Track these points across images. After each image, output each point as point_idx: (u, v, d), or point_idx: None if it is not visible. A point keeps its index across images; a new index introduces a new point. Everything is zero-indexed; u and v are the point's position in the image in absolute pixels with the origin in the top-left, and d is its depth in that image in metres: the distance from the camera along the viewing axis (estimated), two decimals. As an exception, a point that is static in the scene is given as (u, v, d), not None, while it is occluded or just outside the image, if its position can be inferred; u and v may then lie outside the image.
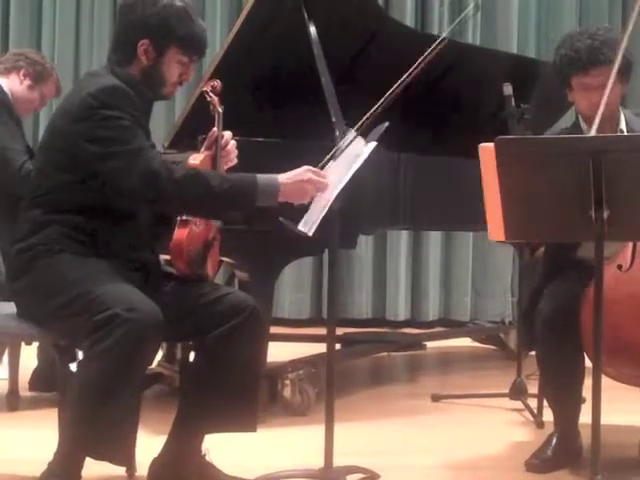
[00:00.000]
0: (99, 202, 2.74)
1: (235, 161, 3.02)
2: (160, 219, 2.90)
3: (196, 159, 2.91)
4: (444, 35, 3.28)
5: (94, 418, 2.53)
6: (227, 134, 3.00)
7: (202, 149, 2.99)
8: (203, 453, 2.90)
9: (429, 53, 3.03)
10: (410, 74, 2.99)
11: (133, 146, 2.66)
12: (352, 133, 2.92)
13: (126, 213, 2.78)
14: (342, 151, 2.87)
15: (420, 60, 3.01)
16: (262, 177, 2.73)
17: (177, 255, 2.84)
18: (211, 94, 3.04)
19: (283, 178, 2.75)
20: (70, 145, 2.70)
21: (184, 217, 2.84)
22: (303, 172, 2.76)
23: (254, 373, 2.85)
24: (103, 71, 2.86)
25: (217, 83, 3.06)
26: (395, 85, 2.97)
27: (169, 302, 2.77)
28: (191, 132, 3.81)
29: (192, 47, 2.85)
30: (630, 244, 3.03)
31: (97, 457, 2.61)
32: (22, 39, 6.43)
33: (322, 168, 2.82)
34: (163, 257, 2.99)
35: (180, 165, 2.92)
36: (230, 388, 2.79)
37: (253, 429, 2.87)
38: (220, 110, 3.02)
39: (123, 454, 2.61)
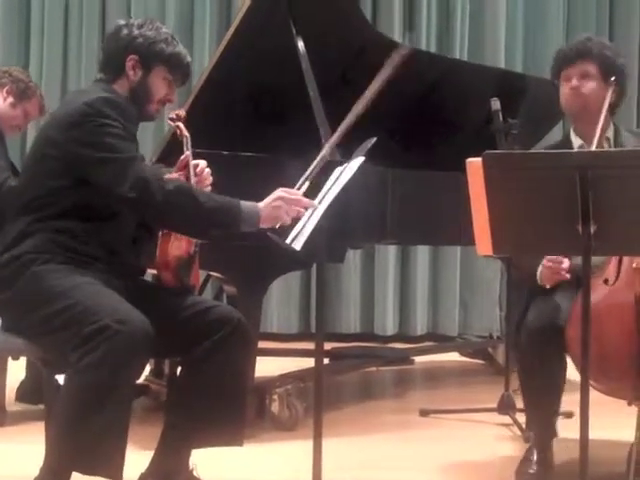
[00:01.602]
0: (88, 206, 2.75)
1: (209, 188, 3.04)
2: (141, 226, 2.93)
3: (171, 177, 2.94)
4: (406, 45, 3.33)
5: (82, 431, 2.51)
6: (202, 163, 3.04)
7: (174, 170, 3.03)
8: (191, 468, 2.89)
9: (391, 64, 3.06)
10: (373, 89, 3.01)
11: (125, 155, 2.70)
12: (337, 170, 2.94)
13: (112, 216, 2.80)
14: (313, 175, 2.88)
15: (382, 74, 3.04)
16: (245, 203, 2.78)
17: (164, 265, 2.87)
18: (177, 122, 3.11)
19: (261, 205, 2.80)
20: (65, 151, 2.73)
21: (165, 231, 2.89)
22: (276, 195, 2.81)
23: (241, 386, 2.84)
24: (92, 88, 2.92)
25: (181, 112, 3.15)
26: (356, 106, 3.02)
27: (155, 316, 2.77)
28: (179, 147, 3.81)
29: (178, 67, 2.93)
30: (615, 259, 3.05)
31: (85, 471, 2.59)
32: (10, 57, 6.41)
33: (299, 188, 2.84)
34: (150, 271, 2.99)
35: None
36: (216, 402, 2.78)
37: (239, 443, 2.86)
38: (187, 135, 3.08)
39: (111, 467, 2.58)
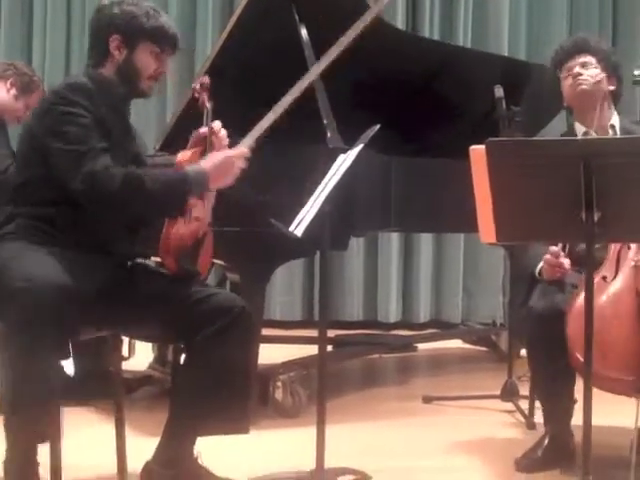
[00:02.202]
0: (65, 195, 2.72)
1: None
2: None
3: (184, 156, 2.93)
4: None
5: (13, 392, 2.50)
6: (217, 124, 3.02)
7: (189, 145, 3.01)
8: (195, 456, 2.90)
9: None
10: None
11: (83, 147, 2.67)
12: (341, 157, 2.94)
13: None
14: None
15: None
16: (192, 169, 2.79)
17: (166, 251, 2.84)
18: (200, 90, 3.07)
19: (207, 164, 2.80)
20: (37, 140, 2.74)
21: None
22: (223, 155, 2.83)
23: (245, 374, 2.83)
24: (77, 74, 2.93)
25: (205, 79, 3.10)
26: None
27: (158, 302, 2.77)
28: (183, 134, 3.81)
29: (163, 38, 2.89)
30: (614, 256, 3.07)
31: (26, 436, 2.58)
32: (13, 53, 6.39)
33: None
34: (155, 259, 2.99)
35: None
36: (221, 389, 2.77)
37: (246, 431, 2.85)
38: (209, 106, 3.05)
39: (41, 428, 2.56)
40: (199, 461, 2.90)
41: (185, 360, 2.90)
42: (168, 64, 2.95)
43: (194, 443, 2.88)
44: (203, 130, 3.00)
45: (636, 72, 3.24)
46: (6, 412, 2.53)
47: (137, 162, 2.89)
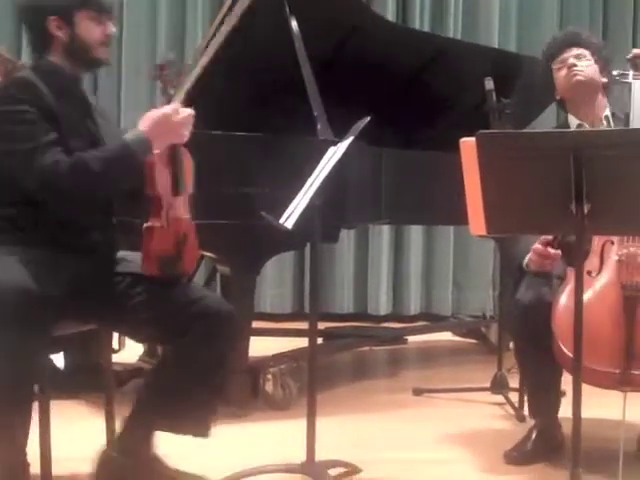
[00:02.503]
0: (23, 195, 2.70)
1: (186, 135, 2.86)
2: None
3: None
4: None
5: None
6: (174, 107, 2.84)
7: None
8: (155, 447, 2.89)
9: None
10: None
11: (30, 144, 2.63)
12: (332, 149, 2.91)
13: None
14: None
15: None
16: (129, 135, 2.73)
17: (148, 262, 2.78)
18: (164, 73, 2.94)
19: (143, 125, 2.74)
20: None
21: (149, 223, 2.80)
22: (158, 114, 2.76)
23: (218, 379, 2.83)
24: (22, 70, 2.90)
25: (165, 62, 2.98)
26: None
27: (142, 304, 2.75)
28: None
29: (97, 2, 2.84)
30: (598, 251, 3.09)
31: None
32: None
33: None
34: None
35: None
36: (193, 391, 2.77)
37: (205, 435, 2.84)
38: (171, 92, 2.94)
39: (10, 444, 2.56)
40: (157, 452, 2.90)
41: (163, 357, 2.87)
42: (113, 25, 2.88)
43: (153, 435, 2.88)
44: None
45: (615, 72, 3.28)
46: None
47: (99, 142, 2.84)
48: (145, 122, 2.74)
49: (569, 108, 3.41)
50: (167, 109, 2.76)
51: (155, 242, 2.79)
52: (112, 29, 2.87)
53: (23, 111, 2.66)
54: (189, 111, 2.80)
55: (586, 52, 3.37)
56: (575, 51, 3.37)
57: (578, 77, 3.33)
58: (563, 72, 3.37)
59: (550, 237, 3.13)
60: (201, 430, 2.84)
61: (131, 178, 2.75)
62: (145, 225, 2.81)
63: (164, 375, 2.81)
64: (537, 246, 3.14)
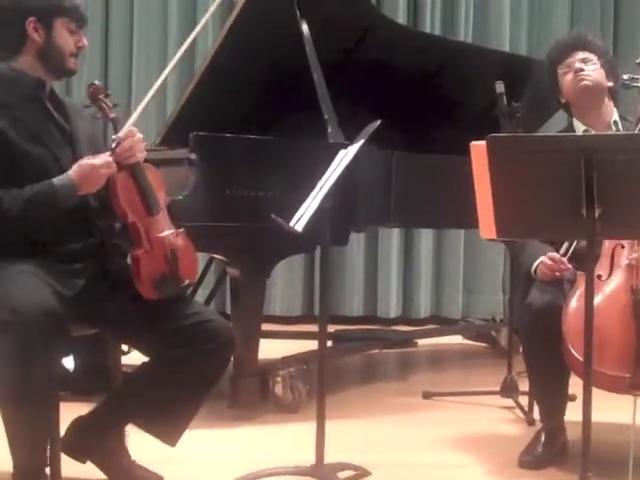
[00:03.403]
0: None
1: (139, 157, 2.82)
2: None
3: (115, 177, 2.77)
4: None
5: (7, 424, 2.56)
6: (125, 132, 2.81)
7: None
8: (127, 434, 2.92)
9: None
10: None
11: None
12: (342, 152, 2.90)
13: None
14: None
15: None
16: (58, 179, 2.68)
17: (144, 288, 2.74)
18: (98, 97, 2.83)
19: (75, 174, 2.69)
20: None
21: (133, 252, 2.76)
22: (86, 163, 2.71)
23: (203, 396, 2.83)
24: None
25: (97, 83, 2.85)
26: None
27: (140, 318, 2.76)
28: (183, 129, 3.81)
29: (76, 13, 2.83)
30: (609, 255, 3.08)
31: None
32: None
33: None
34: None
35: None
36: (176, 399, 2.78)
37: (173, 444, 2.85)
38: (112, 116, 2.83)
39: (32, 459, 2.60)
40: (125, 440, 2.92)
41: (153, 359, 2.85)
42: (85, 37, 2.86)
43: (125, 424, 2.90)
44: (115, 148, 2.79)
45: (625, 76, 3.27)
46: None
47: (70, 144, 2.82)
48: (78, 172, 2.69)
49: (575, 112, 3.39)
50: (99, 163, 2.70)
51: (144, 268, 2.74)
52: (85, 42, 2.86)
53: None
54: (109, 161, 2.73)
55: (592, 56, 3.34)
56: (581, 55, 3.34)
57: (585, 82, 3.30)
58: (569, 76, 3.34)
59: (559, 255, 3.15)
60: (171, 438, 2.85)
61: (47, 222, 2.70)
62: (129, 254, 2.78)
63: (155, 374, 2.81)
64: (549, 263, 3.14)
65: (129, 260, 2.79)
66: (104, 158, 2.73)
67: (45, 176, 2.70)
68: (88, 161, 2.71)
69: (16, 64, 2.80)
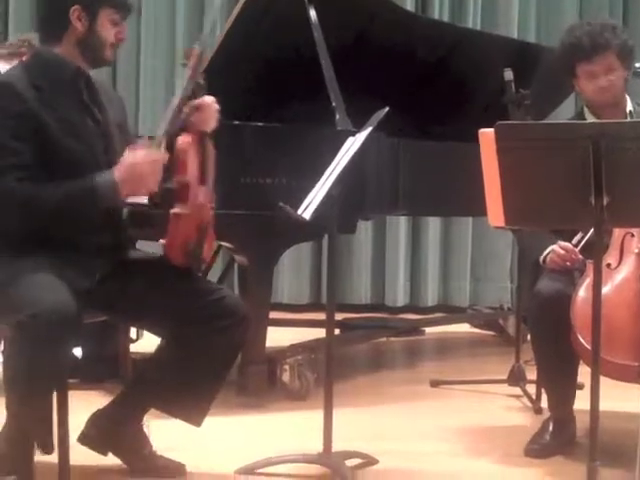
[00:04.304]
0: None
1: (212, 126, 2.86)
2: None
3: (186, 140, 2.81)
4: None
5: (12, 418, 2.59)
6: (207, 99, 2.84)
7: (182, 124, 2.84)
8: (143, 422, 2.93)
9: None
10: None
11: None
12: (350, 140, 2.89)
13: None
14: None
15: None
16: (99, 178, 2.65)
17: (173, 248, 2.79)
18: (188, 60, 2.85)
19: (118, 173, 2.66)
20: None
21: (176, 210, 2.78)
22: (133, 159, 2.67)
23: (223, 374, 2.85)
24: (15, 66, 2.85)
25: (192, 48, 2.87)
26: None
27: (161, 295, 2.76)
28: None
29: (122, 4, 2.82)
30: (618, 243, 3.07)
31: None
32: (21, 23, 6.36)
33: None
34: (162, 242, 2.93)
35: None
36: (196, 378, 2.79)
37: (198, 424, 2.87)
38: (200, 81, 2.86)
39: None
40: (145, 428, 2.94)
41: (168, 341, 2.87)
42: (126, 29, 2.85)
43: (145, 411, 2.91)
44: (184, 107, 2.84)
45: (637, 64, 3.22)
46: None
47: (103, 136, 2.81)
48: (122, 170, 2.66)
49: (591, 109, 3.32)
50: (148, 159, 2.67)
51: (182, 228, 2.79)
52: (125, 35, 2.85)
53: None
54: (161, 156, 2.71)
55: (613, 58, 3.20)
56: (603, 60, 3.19)
57: (609, 95, 3.23)
58: (591, 86, 3.24)
59: (570, 245, 3.14)
60: (195, 418, 2.86)
61: (83, 224, 2.69)
62: (172, 211, 2.80)
63: (173, 356, 2.82)
64: (562, 252, 3.14)
65: (171, 216, 2.78)
66: (147, 154, 2.69)
67: (77, 168, 2.68)
68: (129, 159, 2.67)
69: (57, 49, 2.78)
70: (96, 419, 2.90)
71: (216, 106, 2.85)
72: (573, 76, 3.28)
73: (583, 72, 3.25)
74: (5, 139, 2.63)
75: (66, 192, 2.63)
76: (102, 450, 2.90)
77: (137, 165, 2.66)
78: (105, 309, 2.81)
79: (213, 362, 2.80)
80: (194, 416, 2.85)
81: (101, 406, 2.91)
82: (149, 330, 3.03)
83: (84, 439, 2.87)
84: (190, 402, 2.84)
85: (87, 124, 2.79)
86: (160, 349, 2.90)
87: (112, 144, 2.82)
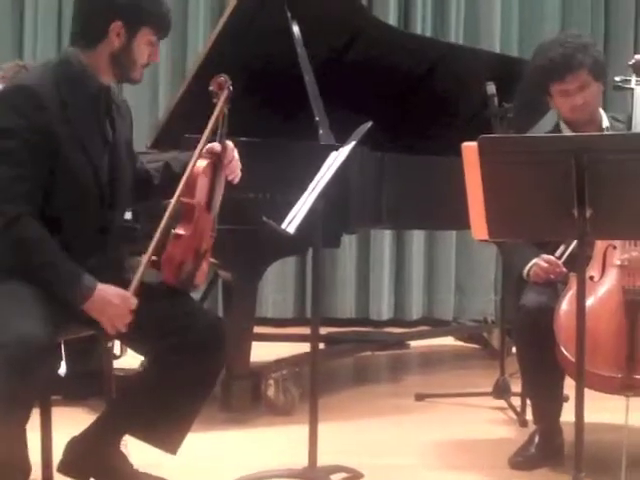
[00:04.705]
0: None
1: (239, 175, 2.92)
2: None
3: (200, 165, 2.80)
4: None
5: None
6: (230, 145, 2.89)
7: (200, 151, 2.80)
8: (123, 442, 2.89)
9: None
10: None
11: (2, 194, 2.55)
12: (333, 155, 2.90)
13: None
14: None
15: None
16: (86, 280, 2.60)
17: (168, 268, 2.75)
18: (216, 90, 2.85)
19: (100, 291, 2.61)
20: None
21: (179, 231, 2.75)
22: (115, 294, 2.62)
23: (200, 399, 2.80)
24: (40, 65, 2.79)
25: (222, 78, 2.86)
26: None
27: (140, 315, 2.70)
28: (175, 132, 3.80)
29: (163, 26, 2.77)
30: (600, 256, 3.09)
31: None
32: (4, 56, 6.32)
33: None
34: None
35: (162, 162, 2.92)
36: (172, 405, 2.75)
37: (173, 452, 2.82)
38: (225, 111, 2.85)
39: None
40: (123, 449, 2.89)
41: (149, 366, 2.85)
42: (159, 51, 2.82)
43: (123, 434, 2.87)
44: (216, 147, 2.85)
45: (617, 78, 3.25)
46: None
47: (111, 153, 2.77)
48: (104, 291, 2.61)
49: (567, 125, 3.34)
50: (123, 301, 2.62)
51: (180, 249, 2.76)
52: (158, 58, 2.82)
53: (6, 145, 2.55)
54: (134, 303, 2.65)
55: (587, 77, 3.23)
56: (576, 80, 3.22)
57: (585, 113, 3.27)
58: (566, 104, 3.27)
59: (553, 258, 3.15)
60: (172, 446, 2.81)
61: (53, 289, 2.59)
62: (174, 232, 2.76)
63: (150, 381, 2.79)
64: (546, 266, 3.15)
65: (172, 236, 2.74)
66: (129, 299, 2.64)
67: (79, 187, 2.66)
68: (119, 293, 2.63)
69: (86, 58, 2.72)
70: (74, 445, 2.83)
71: (237, 155, 2.89)
72: (548, 95, 3.32)
73: (557, 91, 3.28)
74: (18, 149, 2.57)
75: (54, 261, 2.59)
76: (82, 476, 2.83)
77: (111, 305, 2.61)
78: (90, 323, 2.78)
79: (190, 386, 2.74)
80: (170, 444, 2.81)
81: (85, 423, 2.89)
82: (130, 346, 3.01)
83: (63, 468, 2.80)
84: (167, 429, 2.80)
85: (97, 143, 2.74)
86: (138, 374, 2.86)
87: (118, 166, 2.78)
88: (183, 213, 2.80)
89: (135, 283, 2.66)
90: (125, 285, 2.68)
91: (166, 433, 2.80)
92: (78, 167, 2.66)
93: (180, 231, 2.78)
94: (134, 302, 2.64)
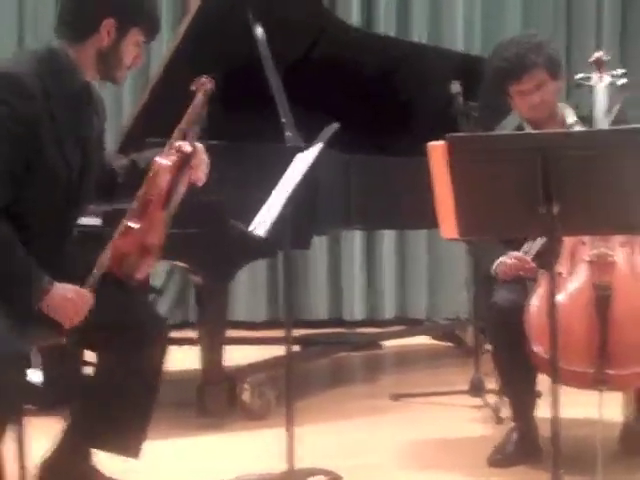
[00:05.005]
0: None
1: (204, 179, 2.89)
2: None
3: (164, 162, 2.78)
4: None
5: None
6: (200, 147, 2.86)
7: (169, 149, 2.81)
8: (91, 456, 2.87)
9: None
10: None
11: None
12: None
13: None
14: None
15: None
16: (48, 279, 2.58)
17: (113, 258, 2.72)
18: (198, 88, 2.88)
19: (58, 290, 2.60)
20: None
21: (129, 223, 2.73)
22: (72, 290, 2.61)
23: (144, 399, 2.78)
24: (24, 53, 2.77)
25: (208, 81, 2.89)
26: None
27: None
28: (139, 138, 3.78)
29: (153, 29, 2.76)
30: (569, 252, 3.10)
31: None
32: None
33: None
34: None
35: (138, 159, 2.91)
36: (117, 408, 2.74)
37: (135, 455, 2.80)
38: (203, 114, 2.87)
39: None
40: (93, 462, 2.87)
41: (95, 374, 2.84)
42: (142, 54, 2.79)
43: (89, 450, 2.85)
44: (187, 146, 2.82)
45: (577, 76, 3.27)
46: None
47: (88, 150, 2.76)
48: (62, 290, 2.60)
49: (529, 123, 3.36)
50: (82, 299, 2.62)
51: (127, 241, 2.73)
52: (141, 61, 2.79)
53: None
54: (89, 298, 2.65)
55: (543, 75, 3.27)
56: (532, 79, 3.25)
57: (544, 110, 3.30)
58: (525, 103, 3.31)
59: (521, 254, 3.17)
60: (131, 450, 2.79)
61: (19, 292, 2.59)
62: (125, 223, 2.74)
63: (94, 389, 2.79)
64: (515, 262, 3.17)
65: (122, 227, 2.72)
66: (87, 297, 2.64)
67: (53, 184, 2.63)
68: (77, 291, 2.62)
69: (73, 52, 2.68)
70: (44, 468, 2.82)
71: (206, 158, 2.86)
72: (508, 96, 3.34)
73: (515, 92, 3.31)
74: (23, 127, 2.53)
75: (13, 260, 2.56)
76: None
77: (68, 300, 2.60)
78: (48, 323, 2.71)
79: (134, 385, 2.73)
80: (130, 448, 2.79)
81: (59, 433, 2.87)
82: (81, 345, 2.98)
83: None
84: (121, 434, 2.78)
85: (73, 140, 2.70)
86: (85, 385, 2.85)
87: (89, 164, 2.74)
88: (138, 206, 2.77)
89: (92, 279, 2.66)
90: (82, 283, 2.67)
91: (122, 437, 2.78)
92: (54, 164, 2.63)
93: (130, 223, 2.75)
94: (90, 298, 2.63)
